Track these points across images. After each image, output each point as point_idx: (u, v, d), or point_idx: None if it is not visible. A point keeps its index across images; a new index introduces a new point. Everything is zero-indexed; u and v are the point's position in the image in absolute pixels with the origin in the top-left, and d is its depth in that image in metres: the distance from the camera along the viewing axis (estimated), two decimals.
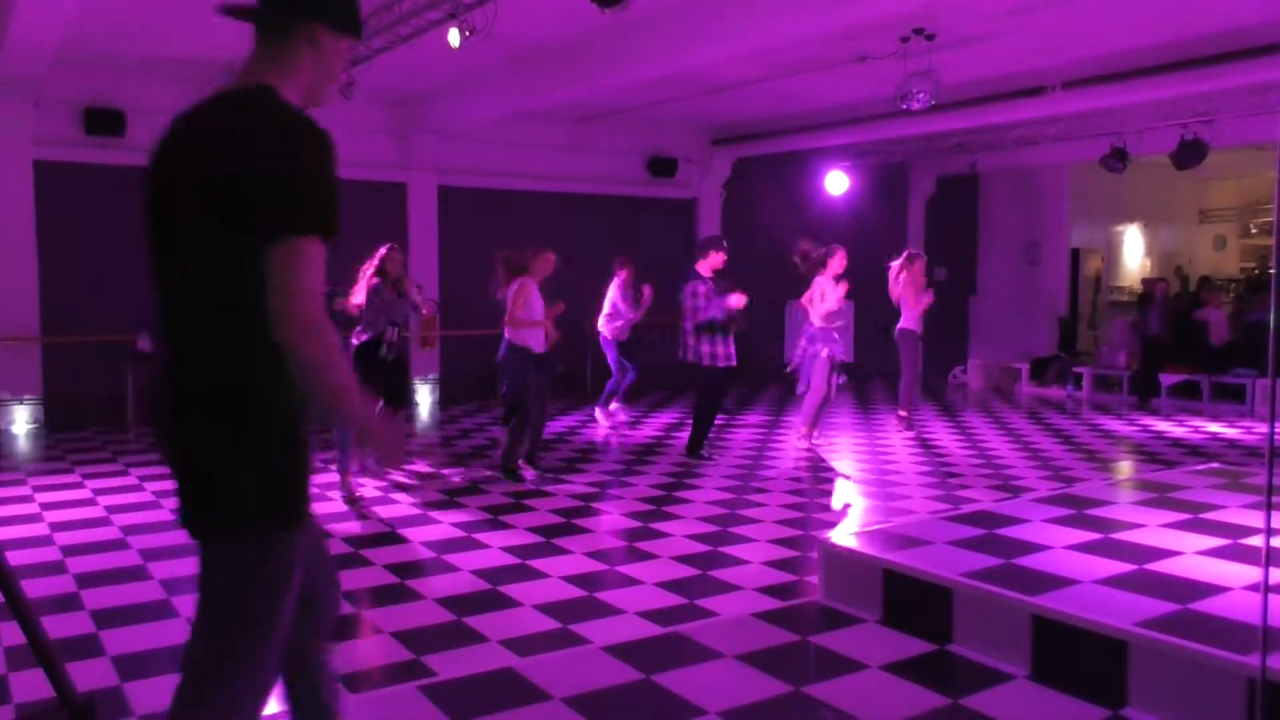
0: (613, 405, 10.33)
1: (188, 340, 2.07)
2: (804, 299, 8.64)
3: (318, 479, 7.34)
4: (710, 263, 8.01)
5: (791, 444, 8.94)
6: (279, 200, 1.95)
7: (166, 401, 2.11)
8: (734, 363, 8.05)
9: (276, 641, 2.13)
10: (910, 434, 9.53)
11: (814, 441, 8.77)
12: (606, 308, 10.00)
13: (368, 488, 7.09)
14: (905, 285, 9.62)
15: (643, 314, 10.01)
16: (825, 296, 8.45)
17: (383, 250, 7.58)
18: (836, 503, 6.86)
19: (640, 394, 10.73)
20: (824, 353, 8.48)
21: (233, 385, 2.03)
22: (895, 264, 9.77)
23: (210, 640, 2.12)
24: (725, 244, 8.18)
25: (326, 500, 6.72)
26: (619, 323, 9.92)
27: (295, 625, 2.21)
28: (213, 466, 2.04)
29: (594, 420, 10.26)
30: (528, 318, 7.22)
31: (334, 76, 2.25)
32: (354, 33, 2.28)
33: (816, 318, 8.54)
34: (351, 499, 6.70)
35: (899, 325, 9.71)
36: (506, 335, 7.33)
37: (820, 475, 7.76)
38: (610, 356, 10.07)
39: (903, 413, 9.76)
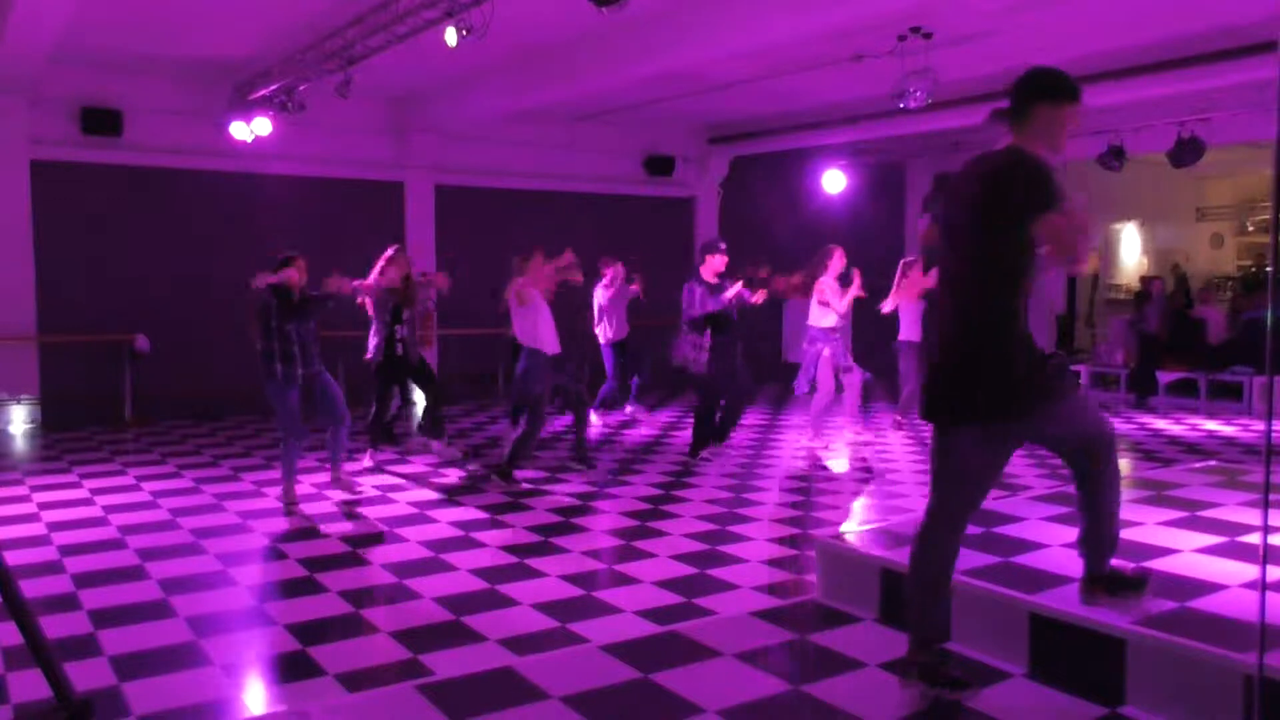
0: (629, 408, 10.35)
1: (975, 303, 3.23)
2: (815, 299, 8.52)
3: (316, 479, 7.34)
4: (711, 267, 7.85)
5: (801, 444, 8.88)
6: (1025, 203, 3.05)
7: (954, 340, 3.29)
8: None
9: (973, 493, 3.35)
10: (901, 433, 9.51)
11: (817, 442, 8.73)
12: (595, 311, 9.94)
13: (365, 488, 7.09)
14: (905, 293, 9.23)
15: (627, 292, 9.94)
16: (830, 296, 8.40)
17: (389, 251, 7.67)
18: (834, 501, 6.85)
19: (640, 395, 10.76)
20: (825, 351, 8.46)
21: (998, 328, 3.24)
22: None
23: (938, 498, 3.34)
24: (723, 246, 8.00)
25: (324, 500, 6.71)
26: (609, 322, 9.88)
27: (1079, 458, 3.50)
28: (975, 379, 3.24)
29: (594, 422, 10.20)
30: None
31: (1064, 131, 3.21)
32: (1064, 99, 3.19)
33: (819, 320, 8.50)
34: (291, 508, 6.38)
35: (900, 336, 9.41)
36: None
37: (818, 474, 7.76)
38: (608, 361, 10.04)
39: (899, 418, 9.73)
